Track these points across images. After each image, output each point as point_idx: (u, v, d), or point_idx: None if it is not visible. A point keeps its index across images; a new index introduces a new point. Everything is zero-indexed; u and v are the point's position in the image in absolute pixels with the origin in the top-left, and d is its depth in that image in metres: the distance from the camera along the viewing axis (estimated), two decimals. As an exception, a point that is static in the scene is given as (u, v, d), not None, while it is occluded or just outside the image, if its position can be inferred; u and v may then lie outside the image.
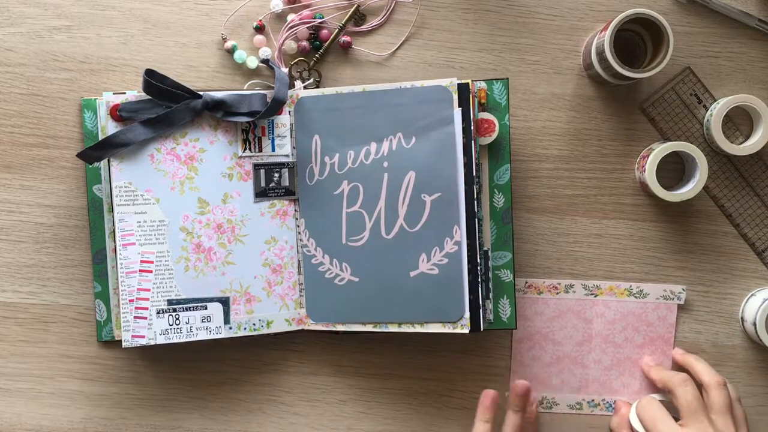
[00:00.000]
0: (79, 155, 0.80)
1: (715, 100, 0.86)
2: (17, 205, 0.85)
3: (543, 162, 0.86)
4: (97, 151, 0.80)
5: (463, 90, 0.79)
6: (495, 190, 0.83)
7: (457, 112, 0.79)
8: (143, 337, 0.81)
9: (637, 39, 0.84)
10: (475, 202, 0.79)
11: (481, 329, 0.79)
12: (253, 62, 0.85)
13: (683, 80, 0.86)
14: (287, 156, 0.83)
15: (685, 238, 0.87)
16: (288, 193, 0.83)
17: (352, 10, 0.84)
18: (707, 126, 0.85)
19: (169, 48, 0.85)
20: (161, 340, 0.80)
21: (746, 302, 0.86)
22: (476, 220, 0.79)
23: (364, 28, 0.85)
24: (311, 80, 0.84)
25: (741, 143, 0.86)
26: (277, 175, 0.83)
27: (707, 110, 0.86)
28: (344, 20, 0.85)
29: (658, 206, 0.87)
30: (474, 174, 0.79)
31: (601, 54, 0.80)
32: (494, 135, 0.82)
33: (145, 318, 0.81)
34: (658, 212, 0.87)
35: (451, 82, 0.79)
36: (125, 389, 0.85)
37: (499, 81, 0.83)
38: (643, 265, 0.86)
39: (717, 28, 0.86)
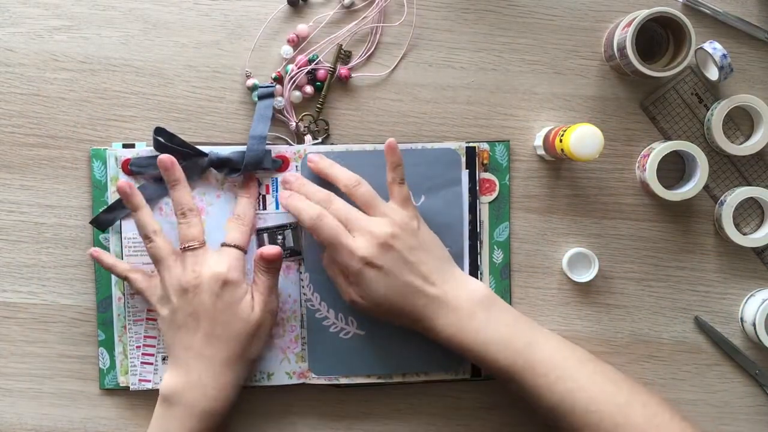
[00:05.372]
0: (93, 222, 0.81)
1: (716, 100, 0.86)
2: (17, 205, 0.85)
3: (543, 162, 0.86)
4: (109, 214, 0.81)
5: (470, 152, 0.83)
6: (495, 246, 0.85)
7: (465, 173, 0.83)
8: (149, 381, 0.83)
9: (660, 30, 0.83)
10: (478, 257, 0.83)
11: (482, 375, 0.84)
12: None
13: (684, 80, 0.86)
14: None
15: (685, 238, 0.87)
16: (294, 253, 0.83)
17: (336, 51, 0.84)
18: (708, 126, 0.85)
19: (169, 48, 0.85)
20: None
21: (746, 302, 0.86)
22: (478, 273, 0.83)
23: (353, 64, 0.85)
24: (319, 139, 0.84)
25: (741, 143, 0.86)
26: (281, 237, 0.83)
27: (708, 110, 0.86)
28: (333, 62, 0.84)
29: (658, 206, 0.86)
30: (477, 231, 0.83)
31: (622, 50, 0.80)
32: (495, 194, 0.85)
33: (152, 364, 0.82)
34: (658, 212, 0.86)
35: (459, 146, 0.83)
36: (125, 389, 0.85)
37: (501, 143, 0.85)
38: (643, 265, 0.86)
39: (718, 28, 0.86)
